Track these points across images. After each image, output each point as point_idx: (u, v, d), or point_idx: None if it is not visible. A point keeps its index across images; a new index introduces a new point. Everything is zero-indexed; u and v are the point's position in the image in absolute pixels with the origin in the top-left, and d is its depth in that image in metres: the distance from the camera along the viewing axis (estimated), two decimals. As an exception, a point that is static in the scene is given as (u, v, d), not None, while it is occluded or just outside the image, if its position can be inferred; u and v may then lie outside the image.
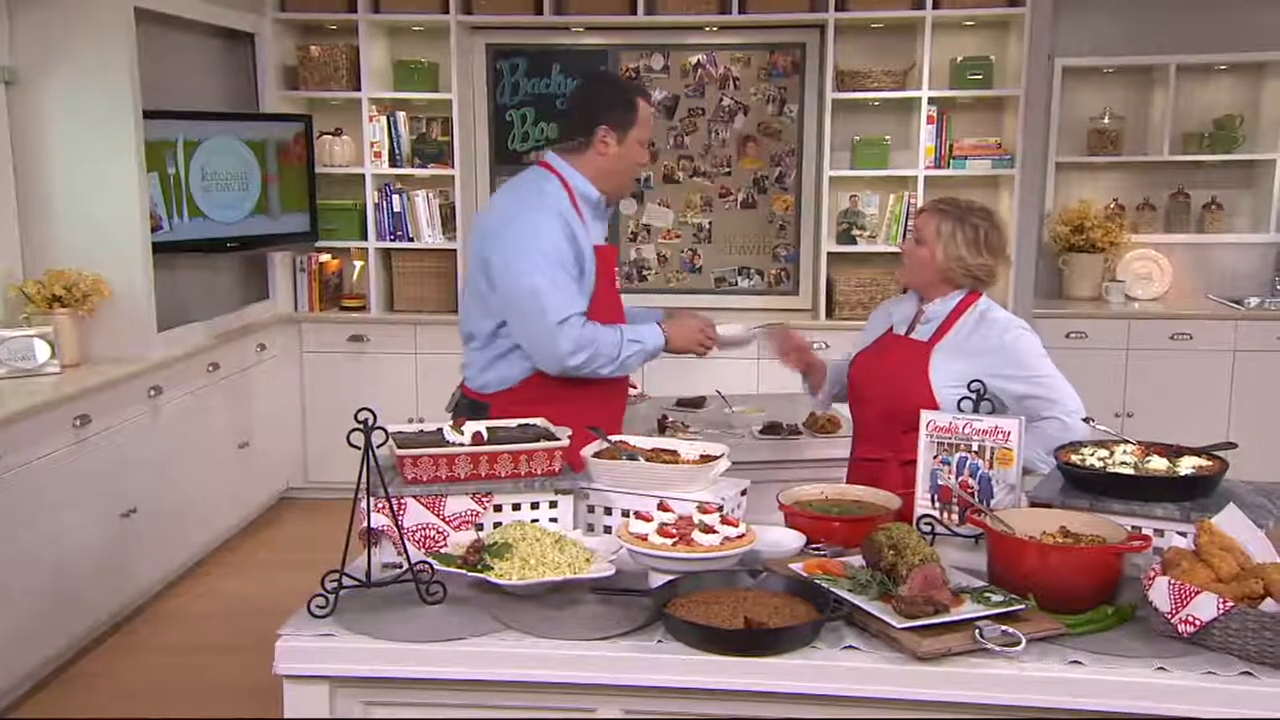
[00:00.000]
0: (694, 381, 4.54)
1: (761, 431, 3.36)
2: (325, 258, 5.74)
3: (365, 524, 2.08)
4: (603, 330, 2.69)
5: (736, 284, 5.97)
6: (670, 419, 3.44)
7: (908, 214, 5.51)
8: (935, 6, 5.29)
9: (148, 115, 4.28)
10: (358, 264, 5.81)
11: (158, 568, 4.34)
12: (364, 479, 1.99)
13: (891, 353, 2.68)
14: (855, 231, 5.63)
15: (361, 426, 1.98)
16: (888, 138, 5.58)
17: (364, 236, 5.66)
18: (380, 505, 2.08)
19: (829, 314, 5.59)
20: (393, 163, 5.63)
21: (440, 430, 2.31)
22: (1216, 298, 5.86)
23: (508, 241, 2.68)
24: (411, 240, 5.66)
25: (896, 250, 5.54)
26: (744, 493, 2.39)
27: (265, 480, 5.32)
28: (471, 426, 2.31)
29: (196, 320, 4.83)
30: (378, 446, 2.00)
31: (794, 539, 2.23)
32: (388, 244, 5.68)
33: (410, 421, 2.49)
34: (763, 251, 5.94)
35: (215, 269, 5.20)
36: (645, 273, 5.98)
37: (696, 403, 3.78)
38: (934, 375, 2.57)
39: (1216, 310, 5.67)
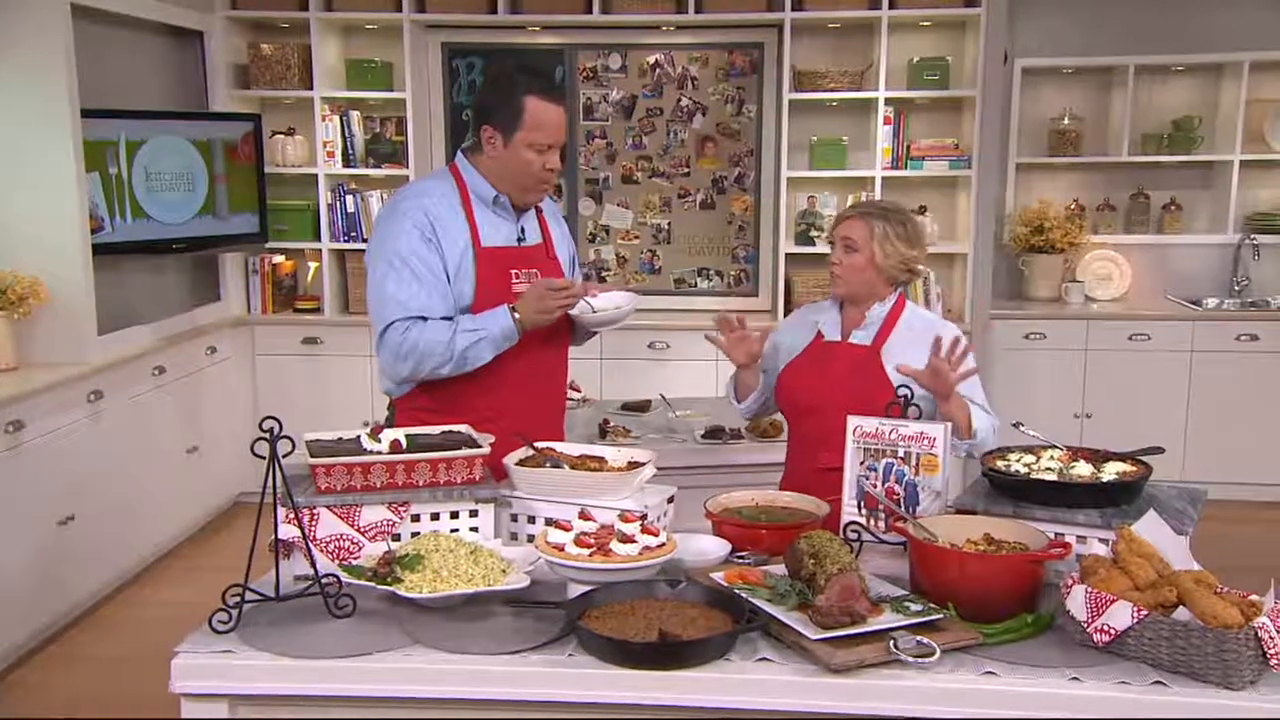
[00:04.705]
0: (643, 385, 4.52)
1: (703, 436, 3.32)
2: (279, 259, 5.67)
3: (274, 536, 2.03)
4: (430, 329, 2.49)
5: (696, 285, 5.93)
6: (612, 423, 3.39)
7: (866, 215, 5.48)
8: (892, 7, 5.27)
9: (87, 114, 4.20)
10: (312, 265, 5.75)
11: (98, 576, 4.26)
12: (269, 489, 1.94)
13: (837, 360, 2.62)
14: (813, 233, 5.60)
15: (267, 436, 1.92)
16: (845, 138, 5.56)
17: (317, 237, 5.59)
18: (289, 516, 2.03)
19: (788, 315, 5.55)
20: (346, 163, 5.56)
21: (358, 438, 2.25)
22: (1175, 298, 5.87)
23: (369, 248, 2.64)
24: (366, 241, 5.60)
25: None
26: (671, 500, 2.35)
27: (216, 486, 5.24)
28: (390, 434, 2.26)
29: (142, 323, 4.75)
30: (284, 456, 1.94)
31: (719, 547, 2.19)
32: (342, 245, 5.61)
33: (365, 425, 2.42)
34: (722, 252, 5.91)
35: (162, 271, 5.12)
36: (604, 274, 5.94)
37: (641, 407, 3.73)
38: (891, 377, 2.53)
39: (1175, 311, 5.68)
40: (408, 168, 5.53)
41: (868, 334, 2.62)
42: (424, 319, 2.52)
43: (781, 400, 2.73)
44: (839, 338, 2.66)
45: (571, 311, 2.58)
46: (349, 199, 5.57)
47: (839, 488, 2.37)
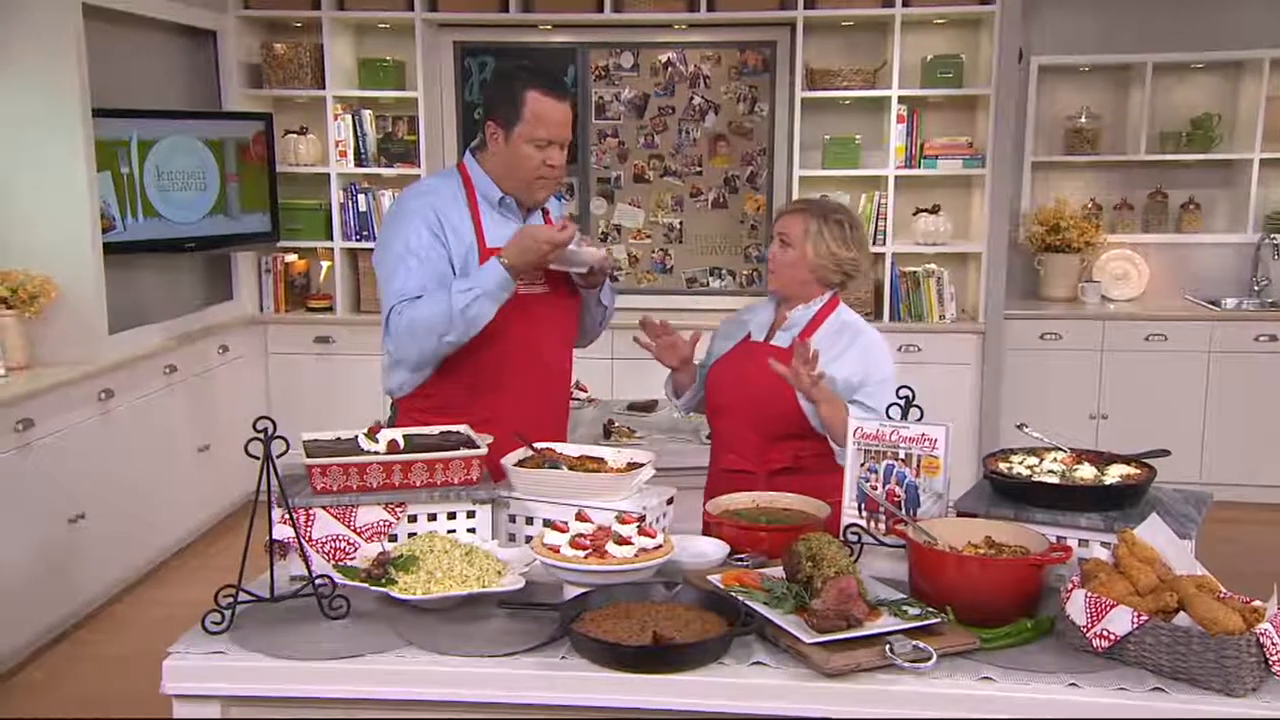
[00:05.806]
0: (654, 385, 4.49)
1: (708, 436, 3.29)
2: (291, 258, 5.69)
3: (269, 536, 2.02)
4: (424, 302, 2.46)
5: (708, 285, 5.91)
6: (617, 423, 3.37)
7: (879, 214, 5.45)
8: (905, 4, 5.23)
9: (99, 114, 4.22)
10: (325, 264, 5.76)
11: (108, 574, 4.27)
12: (262, 489, 1.93)
13: (752, 361, 2.59)
14: (826, 231, 5.56)
15: (261, 436, 1.92)
16: (858, 137, 5.52)
17: (329, 236, 5.61)
18: (284, 516, 2.02)
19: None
20: (358, 162, 5.57)
21: (356, 439, 2.25)
22: (1193, 298, 5.80)
23: (378, 247, 2.65)
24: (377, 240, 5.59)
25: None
26: (670, 501, 2.33)
27: (227, 485, 5.24)
28: (388, 434, 2.25)
29: (154, 322, 4.76)
30: (279, 456, 1.94)
31: (718, 549, 2.17)
32: (354, 244, 5.62)
33: (376, 424, 2.42)
34: (734, 252, 5.88)
35: (175, 270, 5.14)
36: (616, 273, 5.92)
37: (647, 406, 3.72)
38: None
39: (1192, 311, 5.61)
40: (419, 167, 5.53)
41: (788, 336, 2.59)
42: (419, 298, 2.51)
43: (706, 398, 2.72)
44: (762, 338, 2.64)
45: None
46: (361, 198, 5.57)
47: (740, 489, 2.37)
